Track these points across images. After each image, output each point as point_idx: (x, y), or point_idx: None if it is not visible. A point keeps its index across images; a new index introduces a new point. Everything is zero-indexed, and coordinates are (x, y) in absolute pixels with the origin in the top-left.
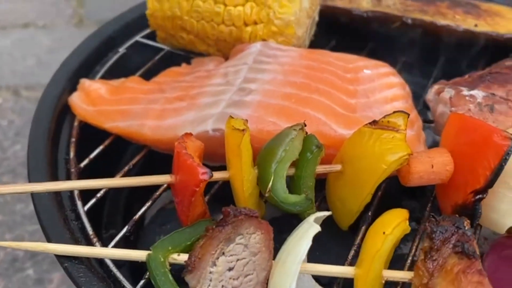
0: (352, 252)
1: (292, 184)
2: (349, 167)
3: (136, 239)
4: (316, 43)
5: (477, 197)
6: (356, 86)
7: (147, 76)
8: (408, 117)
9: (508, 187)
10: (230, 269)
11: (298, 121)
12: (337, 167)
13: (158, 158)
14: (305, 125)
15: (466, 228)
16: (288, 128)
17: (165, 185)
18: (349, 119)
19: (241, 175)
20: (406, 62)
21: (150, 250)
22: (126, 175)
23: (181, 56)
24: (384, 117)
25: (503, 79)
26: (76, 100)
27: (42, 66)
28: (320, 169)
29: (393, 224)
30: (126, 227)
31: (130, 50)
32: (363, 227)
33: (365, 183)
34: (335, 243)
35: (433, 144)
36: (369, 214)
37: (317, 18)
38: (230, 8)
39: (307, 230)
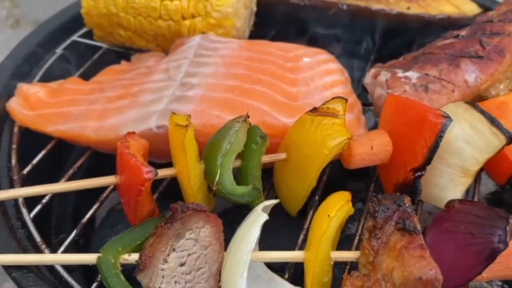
0: (301, 237)
1: (239, 175)
2: (294, 154)
3: (88, 242)
4: (256, 33)
5: (417, 174)
6: (297, 75)
7: (87, 76)
8: (347, 102)
9: (445, 163)
10: (181, 265)
11: (242, 113)
12: (282, 155)
13: (103, 159)
14: (248, 117)
15: (407, 205)
16: (232, 121)
17: (111, 186)
18: (291, 108)
19: (188, 171)
20: (345, 47)
21: (100, 252)
22: (72, 178)
23: (120, 53)
24: (323, 103)
25: (435, 59)
26: (15, 105)
27: None
28: (266, 158)
29: (337, 206)
30: (75, 231)
31: (68, 50)
32: (311, 212)
33: (310, 169)
34: (286, 229)
35: (375, 126)
36: (316, 198)
37: (255, 9)
38: (166, 3)
39: (256, 220)
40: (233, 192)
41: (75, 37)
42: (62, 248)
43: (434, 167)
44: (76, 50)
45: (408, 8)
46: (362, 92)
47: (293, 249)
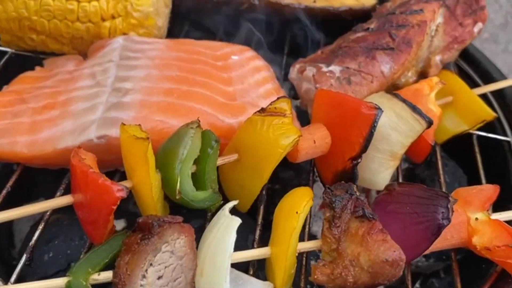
0: (258, 232)
1: (196, 180)
2: (246, 154)
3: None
4: (171, 29)
5: (354, 162)
6: (230, 73)
7: None
8: (290, 100)
9: (377, 149)
10: (159, 278)
11: (185, 116)
12: (234, 156)
13: (35, 174)
14: (199, 121)
15: (358, 193)
16: (185, 127)
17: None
18: (232, 107)
19: (149, 182)
20: (258, 41)
21: (68, 275)
22: (6, 198)
23: (28, 57)
24: (270, 104)
25: (353, 52)
26: None
27: None
28: (219, 161)
29: (303, 203)
30: (25, 255)
31: None
32: (262, 206)
33: (264, 167)
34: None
35: (300, 117)
36: (264, 194)
37: (171, 6)
38: (84, 4)
39: (229, 224)
40: (195, 198)
41: None
42: (14, 276)
43: (366, 154)
44: None
45: (314, 1)
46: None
47: (251, 245)
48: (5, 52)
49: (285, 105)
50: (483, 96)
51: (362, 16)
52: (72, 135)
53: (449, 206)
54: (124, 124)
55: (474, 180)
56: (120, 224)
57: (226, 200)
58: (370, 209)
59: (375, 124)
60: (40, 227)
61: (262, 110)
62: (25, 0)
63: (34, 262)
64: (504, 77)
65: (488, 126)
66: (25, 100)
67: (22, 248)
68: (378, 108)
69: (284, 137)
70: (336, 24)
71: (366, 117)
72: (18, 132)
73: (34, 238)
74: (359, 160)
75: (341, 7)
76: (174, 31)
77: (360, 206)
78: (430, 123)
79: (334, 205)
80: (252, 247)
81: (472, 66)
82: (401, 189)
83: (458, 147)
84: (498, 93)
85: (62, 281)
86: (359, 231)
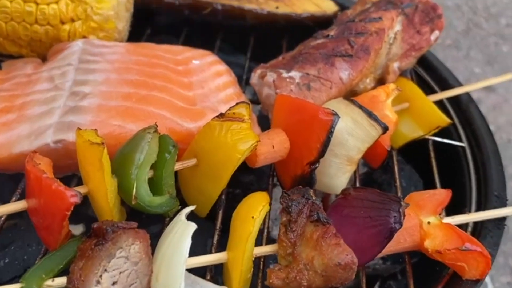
0: (216, 237)
1: (153, 185)
2: (204, 159)
3: None
4: (132, 33)
5: (312, 167)
6: (190, 78)
7: None
8: (249, 106)
9: (333, 154)
10: (114, 283)
11: (144, 120)
12: (193, 161)
13: None
14: (157, 126)
15: (314, 198)
16: (142, 131)
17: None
18: (192, 112)
19: (105, 188)
20: (222, 46)
21: (21, 282)
22: None
23: None
24: (229, 109)
25: (313, 59)
26: None
27: None
28: (177, 166)
29: (259, 208)
30: None
31: None
32: (220, 211)
33: (223, 172)
34: (196, 231)
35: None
36: (223, 198)
37: (132, 9)
38: (43, 7)
39: (185, 230)
40: (151, 204)
41: None
42: None
43: (324, 159)
44: None
45: (277, 7)
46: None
47: (210, 250)
48: None
49: (244, 111)
50: (440, 103)
51: (323, 22)
52: (28, 139)
53: (401, 210)
54: (80, 129)
55: (429, 184)
56: (78, 229)
57: (184, 205)
58: (325, 213)
59: (332, 130)
60: None
61: (221, 115)
62: None
63: None
64: (460, 84)
65: (444, 132)
66: None
67: None
68: (335, 114)
69: (242, 142)
70: (298, 30)
71: (324, 123)
72: None
73: None
74: (317, 165)
75: (303, 14)
76: (135, 34)
77: (315, 211)
78: (385, 129)
79: (290, 209)
80: (211, 252)
81: (429, 73)
82: (356, 194)
83: (414, 152)
84: (454, 100)
85: (15, 287)
86: (313, 235)
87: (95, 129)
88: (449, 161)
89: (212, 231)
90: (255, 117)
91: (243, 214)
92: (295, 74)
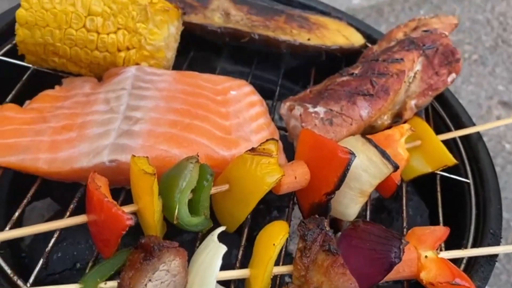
0: (240, 253)
1: (191, 206)
2: (236, 186)
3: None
4: (177, 56)
5: (329, 197)
6: (227, 108)
7: (19, 99)
8: (278, 142)
9: (349, 187)
10: None
11: (186, 147)
12: (225, 186)
13: (53, 186)
14: (198, 156)
15: (327, 228)
16: (186, 161)
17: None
18: (227, 141)
19: (153, 210)
20: (254, 74)
21: (79, 283)
22: (25, 207)
23: (48, 74)
24: (260, 145)
25: (337, 96)
26: None
27: None
28: (213, 190)
29: (280, 236)
30: (42, 260)
31: None
32: (246, 229)
33: (250, 199)
34: (225, 242)
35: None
36: (249, 217)
37: (179, 39)
38: (103, 36)
39: (216, 251)
40: (189, 223)
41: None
42: (32, 278)
43: (339, 190)
44: (1, 69)
45: (309, 39)
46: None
47: (235, 262)
48: (27, 67)
49: (273, 147)
50: (453, 139)
51: (351, 54)
52: (87, 157)
53: (401, 247)
54: (135, 156)
55: (434, 214)
56: None
57: (216, 222)
58: (336, 244)
59: (349, 167)
60: (56, 235)
61: (253, 149)
62: (51, 29)
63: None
64: (472, 123)
65: (453, 167)
66: (46, 119)
67: (32, 244)
68: (352, 154)
69: (269, 176)
70: (328, 58)
71: (342, 160)
72: (40, 150)
73: (50, 244)
74: (333, 196)
75: (332, 46)
76: (180, 54)
77: (327, 241)
78: (396, 167)
79: (306, 237)
80: (235, 264)
81: (445, 110)
82: (364, 227)
83: (424, 183)
84: (465, 137)
85: (74, 287)
86: (324, 263)
87: (147, 157)
88: (454, 195)
89: (237, 243)
90: (282, 145)
91: (266, 240)
92: (320, 109)
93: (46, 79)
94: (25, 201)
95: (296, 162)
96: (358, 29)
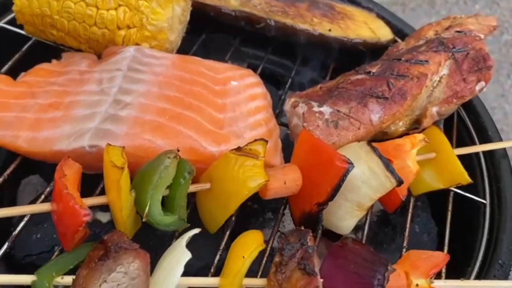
0: (217, 257)
1: (167, 203)
2: (217, 187)
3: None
4: (187, 36)
5: (320, 207)
6: (225, 100)
7: (16, 69)
8: (267, 143)
9: (344, 198)
10: None
11: (172, 139)
12: (207, 185)
13: (32, 163)
14: (179, 150)
15: (309, 244)
16: (163, 155)
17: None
18: (217, 136)
19: (120, 204)
20: (269, 57)
21: (35, 275)
22: (2, 185)
23: (49, 47)
24: (246, 145)
25: (347, 96)
26: None
27: None
28: (192, 188)
29: (251, 249)
30: (6, 243)
31: None
32: (228, 232)
33: (231, 202)
34: (206, 240)
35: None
36: (233, 219)
37: (188, 18)
38: (102, 12)
39: (180, 258)
40: (161, 222)
41: (2, 23)
42: None
43: (335, 200)
44: (3, 37)
45: (330, 30)
46: (281, 111)
47: (212, 264)
48: (29, 38)
49: (260, 148)
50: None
51: (377, 49)
52: (68, 140)
53: (386, 274)
54: (110, 145)
55: (443, 233)
56: (105, 218)
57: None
58: (314, 263)
59: (344, 178)
60: (26, 218)
61: (239, 148)
62: (48, 0)
63: (22, 239)
64: (499, 137)
65: (471, 184)
66: (35, 94)
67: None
68: (350, 163)
69: (252, 180)
70: (350, 51)
71: (338, 170)
72: (22, 127)
73: (18, 229)
74: (325, 206)
75: (355, 39)
76: (191, 37)
77: (305, 259)
78: (400, 182)
79: (283, 252)
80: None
81: (471, 119)
82: (352, 246)
83: (435, 198)
84: (489, 153)
85: (29, 278)
86: (298, 282)
87: (123, 147)
88: (467, 214)
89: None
90: (280, 143)
91: (237, 251)
92: (326, 109)
93: (47, 51)
94: (0, 179)
95: (288, 166)
96: (389, 22)
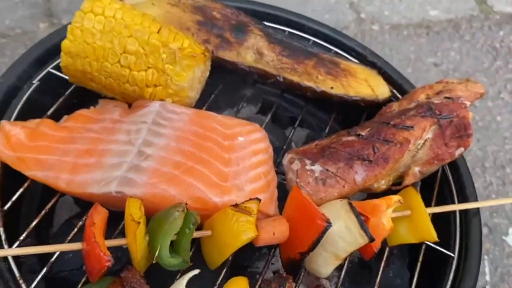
0: None
1: (174, 245)
2: (216, 234)
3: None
4: (207, 85)
5: (302, 256)
6: (231, 154)
7: (60, 113)
8: (260, 201)
9: (324, 249)
10: None
11: (184, 190)
12: (208, 232)
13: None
14: (186, 204)
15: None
16: (173, 208)
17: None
18: (221, 188)
19: (136, 247)
20: (278, 108)
21: None
22: (43, 218)
23: (89, 92)
24: (242, 203)
25: (337, 156)
26: None
27: None
28: (196, 234)
29: None
30: (45, 268)
31: (42, 81)
32: (225, 270)
33: (226, 250)
34: (208, 273)
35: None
36: (230, 258)
37: (207, 76)
38: (134, 73)
39: None
40: (168, 264)
41: (50, 69)
42: (34, 284)
43: (315, 250)
44: (50, 80)
45: (332, 88)
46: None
47: None
48: (71, 84)
49: (254, 206)
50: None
51: (375, 105)
52: (98, 185)
53: None
54: (131, 198)
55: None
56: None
57: (200, 259)
58: None
59: (323, 234)
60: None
61: (236, 205)
62: (90, 61)
63: (57, 257)
64: (475, 198)
65: (444, 237)
66: (75, 140)
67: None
68: (329, 223)
69: (244, 234)
70: (350, 105)
71: (318, 227)
72: (62, 170)
73: (55, 255)
74: (306, 255)
75: (354, 96)
76: (209, 86)
77: None
78: (371, 240)
79: None
80: None
81: (454, 178)
82: None
83: (410, 249)
84: (464, 210)
85: None
86: None
87: (141, 200)
88: (436, 264)
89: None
90: (277, 193)
91: None
92: (317, 168)
93: (87, 95)
94: (42, 212)
95: (278, 219)
96: (390, 78)
